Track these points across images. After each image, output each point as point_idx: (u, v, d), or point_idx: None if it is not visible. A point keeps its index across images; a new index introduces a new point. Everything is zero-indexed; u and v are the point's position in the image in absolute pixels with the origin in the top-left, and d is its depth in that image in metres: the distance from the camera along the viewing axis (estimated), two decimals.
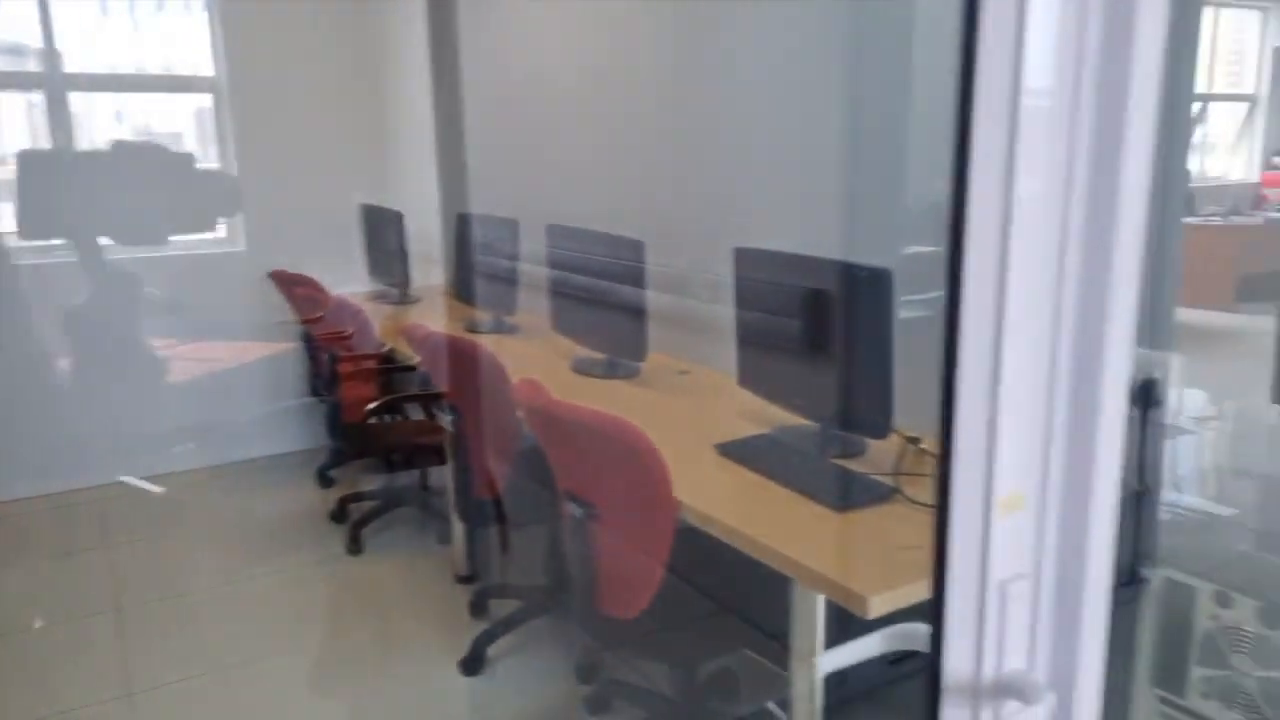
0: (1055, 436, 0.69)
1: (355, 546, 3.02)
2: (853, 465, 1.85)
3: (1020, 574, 0.70)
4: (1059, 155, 0.64)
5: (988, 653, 0.69)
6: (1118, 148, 0.64)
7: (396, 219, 3.37)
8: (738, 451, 1.95)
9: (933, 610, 0.70)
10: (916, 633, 0.70)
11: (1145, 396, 1.62)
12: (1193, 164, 10.51)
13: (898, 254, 2.62)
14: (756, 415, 2.17)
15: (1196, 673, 1.17)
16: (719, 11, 2.60)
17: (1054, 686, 0.72)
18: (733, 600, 1.93)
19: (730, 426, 2.11)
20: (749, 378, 2.20)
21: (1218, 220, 7.53)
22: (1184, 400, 5.40)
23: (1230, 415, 5.07)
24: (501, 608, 2.56)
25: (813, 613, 1.49)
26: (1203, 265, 7.32)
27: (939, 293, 0.66)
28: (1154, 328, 2.78)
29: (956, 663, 0.70)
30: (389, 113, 3.91)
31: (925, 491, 1.68)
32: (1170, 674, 1.20)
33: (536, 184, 3.30)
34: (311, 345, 3.27)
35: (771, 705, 1.78)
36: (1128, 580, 1.25)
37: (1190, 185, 8.70)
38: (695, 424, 2.24)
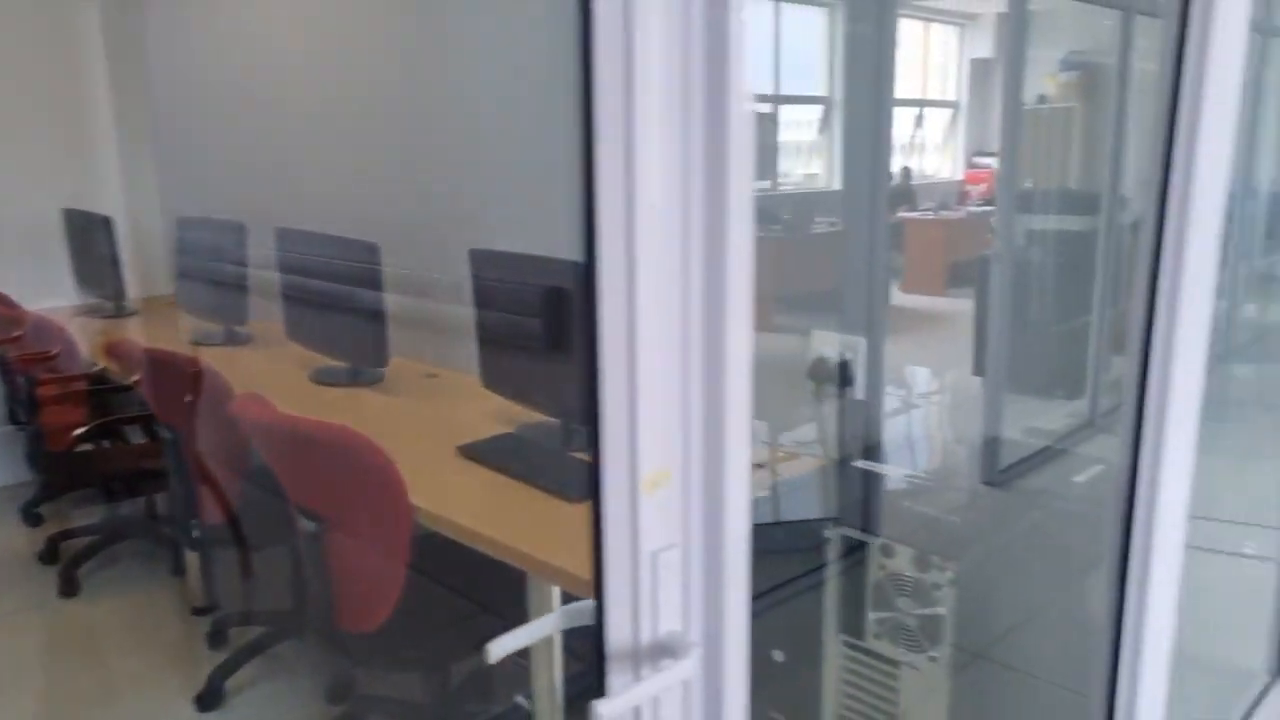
0: (692, 419, 0.75)
1: (69, 588, 2.73)
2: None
3: (671, 544, 0.76)
4: (674, 173, 0.70)
5: (644, 618, 0.75)
6: (723, 164, 0.70)
7: (105, 224, 3.07)
8: (479, 452, 1.96)
9: (594, 584, 0.74)
10: (585, 608, 0.74)
11: (841, 376, 1.81)
12: (914, 163, 11.65)
13: None
14: (503, 415, 2.18)
15: (871, 616, 1.32)
16: (450, 9, 2.58)
17: (705, 642, 0.78)
18: (481, 598, 1.94)
19: (475, 428, 2.11)
20: (492, 378, 2.21)
21: (931, 215, 8.44)
22: (914, 378, 6.03)
23: (950, 389, 5.71)
24: (244, 636, 2.41)
25: (547, 603, 1.53)
26: (924, 256, 8.19)
27: None
28: (870, 314, 3.09)
29: (618, 631, 0.74)
30: (97, 112, 3.55)
31: None
32: (852, 620, 1.35)
33: (266, 186, 3.12)
34: (6, 368, 2.92)
35: (520, 699, 1.81)
36: (818, 541, 1.40)
37: (912, 183, 9.66)
38: (439, 428, 2.22)
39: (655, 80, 0.67)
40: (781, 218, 7.49)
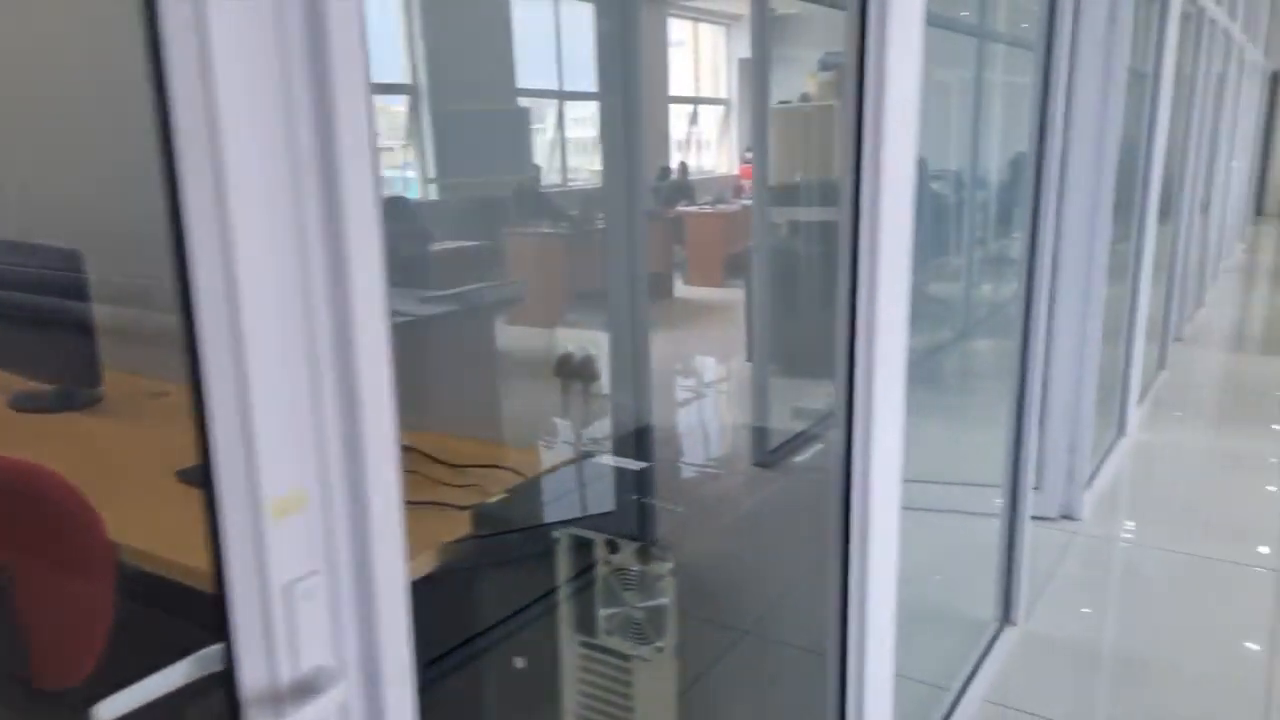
0: (329, 436, 0.69)
1: None
2: None
3: (312, 571, 0.70)
4: (280, 172, 0.63)
5: (283, 655, 0.68)
6: (334, 161, 0.65)
7: None
8: (198, 476, 1.79)
9: (218, 624, 0.67)
10: (217, 653, 0.66)
11: (585, 372, 1.80)
12: (691, 159, 12.00)
13: None
14: None
15: (601, 613, 1.31)
16: None
17: (362, 671, 0.73)
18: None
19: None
20: None
21: (709, 209, 8.73)
22: (703, 367, 6.21)
23: (734, 376, 5.93)
24: None
25: None
26: (703, 249, 8.46)
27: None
28: (632, 308, 3.12)
29: (252, 673, 0.67)
30: None
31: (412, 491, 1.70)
32: (584, 619, 1.34)
33: None
34: None
35: None
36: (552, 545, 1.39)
37: (689, 178, 9.95)
38: (160, 451, 2.01)
39: (242, 72, 0.60)
40: (569, 214, 7.51)
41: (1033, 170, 2.63)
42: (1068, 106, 3.29)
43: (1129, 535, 3.48)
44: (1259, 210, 14.41)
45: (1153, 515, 3.68)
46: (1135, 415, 4.54)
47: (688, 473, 3.77)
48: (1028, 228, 2.68)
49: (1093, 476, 3.84)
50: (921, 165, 5.29)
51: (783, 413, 4.50)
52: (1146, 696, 2.48)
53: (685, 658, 1.30)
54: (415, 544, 1.58)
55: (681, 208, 8.62)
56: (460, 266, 3.89)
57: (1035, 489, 3.61)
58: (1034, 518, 3.57)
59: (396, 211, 4.70)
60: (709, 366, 6.30)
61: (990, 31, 5.51)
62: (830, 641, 1.61)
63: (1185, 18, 5.27)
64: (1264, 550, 3.27)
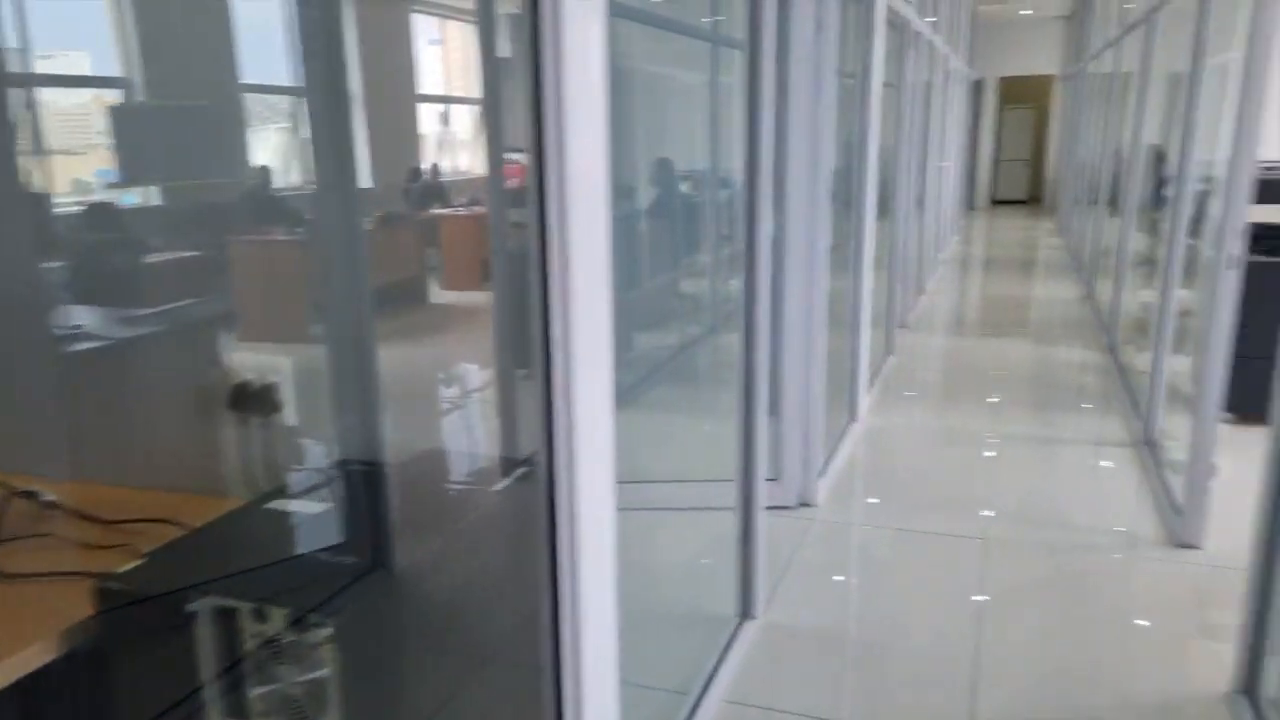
0: None
1: None
2: None
3: None
4: None
5: None
6: None
7: None
8: None
9: None
10: None
11: (261, 402, 1.58)
12: (445, 160, 11.64)
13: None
14: None
15: (253, 693, 1.11)
16: None
17: None
18: None
19: None
20: None
21: (463, 211, 8.46)
22: (460, 376, 5.95)
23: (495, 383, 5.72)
24: None
25: None
26: (460, 252, 8.18)
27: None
28: (356, 322, 2.87)
29: None
30: None
31: (44, 558, 1.39)
32: (236, 702, 1.14)
33: None
34: None
35: None
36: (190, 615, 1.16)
37: (442, 179, 9.61)
38: None
39: None
40: (305, 219, 6.97)
41: (745, 171, 2.67)
42: (783, 108, 3.40)
43: (862, 517, 3.66)
44: (970, 205, 16.14)
45: (883, 495, 3.91)
46: (865, 400, 4.84)
47: (426, 496, 3.56)
48: (744, 226, 2.71)
49: (827, 462, 4.03)
50: (667, 166, 5.31)
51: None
52: (874, 676, 2.58)
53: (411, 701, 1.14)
54: (27, 630, 1.29)
55: (436, 210, 8.31)
56: (173, 280, 3.45)
57: (773, 480, 3.73)
58: (773, 508, 3.69)
59: (99, 221, 4.12)
60: (466, 375, 6.08)
61: (714, 34, 5.67)
62: (544, 659, 1.50)
63: (893, 27, 5.69)
64: (982, 515, 3.55)
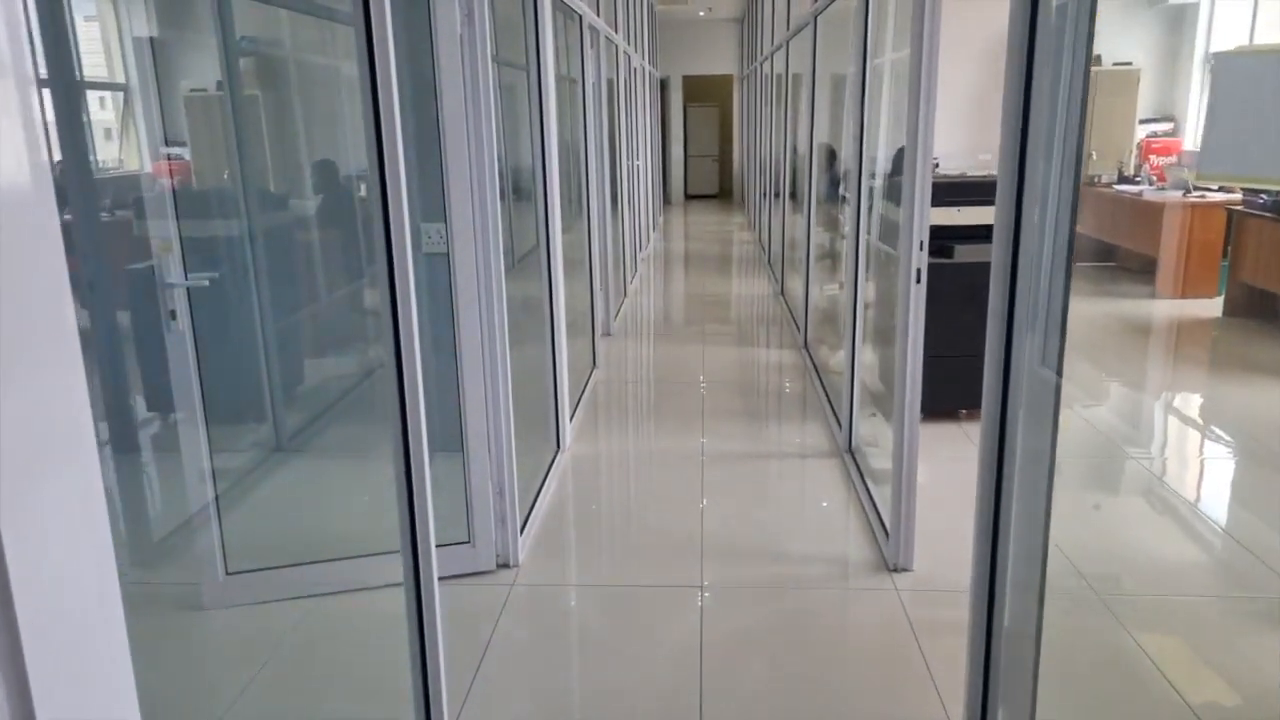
0: None
1: None
2: None
3: None
4: None
5: None
6: None
7: None
8: None
9: None
10: None
11: None
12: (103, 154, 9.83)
13: None
14: None
15: None
16: None
17: None
18: None
19: None
20: None
21: (107, 216, 7.05)
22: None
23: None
24: None
25: None
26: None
27: None
28: None
29: None
30: None
31: None
32: None
33: None
34: None
35: None
36: None
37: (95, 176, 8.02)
38: None
39: None
40: None
41: (375, 176, 2.07)
42: (435, 102, 2.84)
43: (570, 573, 3.20)
44: (667, 200, 16.56)
45: (594, 543, 3.48)
46: (570, 425, 4.42)
47: None
48: (379, 237, 2.11)
49: (531, 508, 3.54)
50: (331, 168, 4.37)
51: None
52: None
53: None
54: None
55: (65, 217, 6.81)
56: None
57: (464, 543, 3.18)
58: (465, 575, 3.14)
59: None
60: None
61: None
62: None
63: (569, 21, 5.30)
64: (697, 557, 3.22)
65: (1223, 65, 4.60)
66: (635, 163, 8.88)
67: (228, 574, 2.98)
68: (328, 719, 2.50)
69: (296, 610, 2.95)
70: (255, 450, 4.17)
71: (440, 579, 3.07)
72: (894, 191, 3.44)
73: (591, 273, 5.76)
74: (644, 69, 10.22)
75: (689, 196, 17.20)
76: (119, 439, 3.81)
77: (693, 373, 5.63)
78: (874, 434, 4.10)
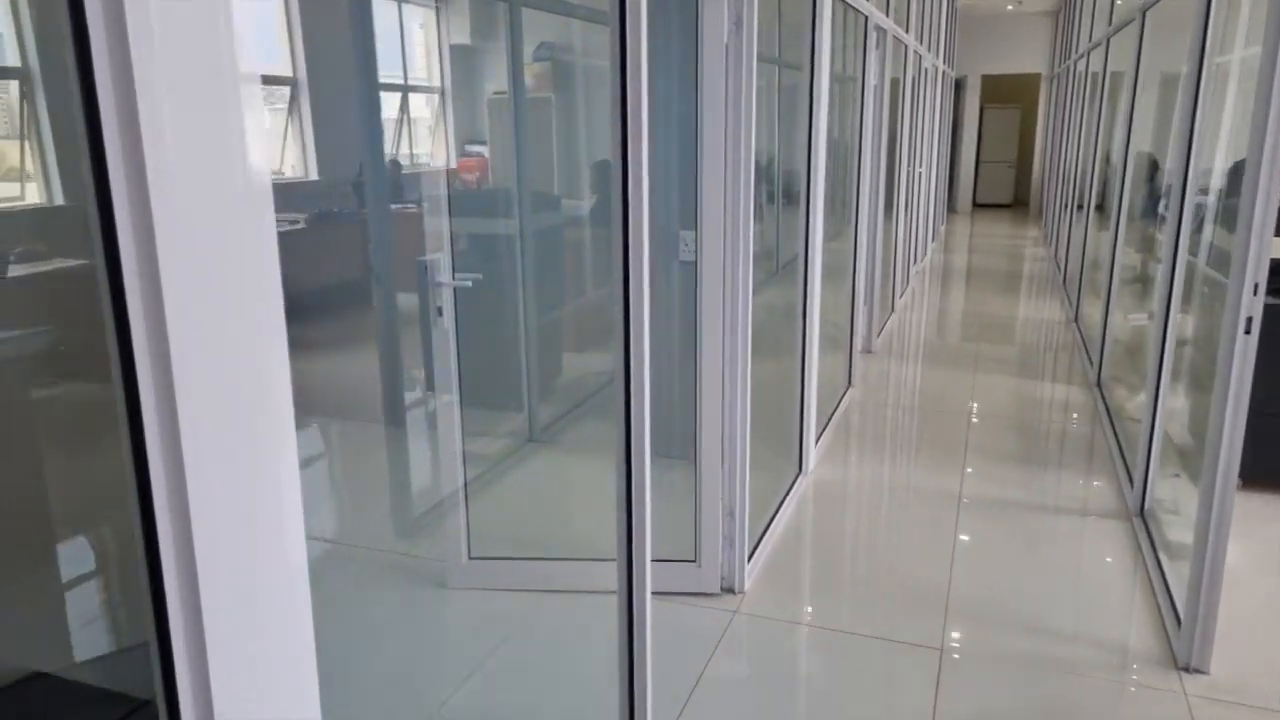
0: None
1: None
2: None
3: None
4: None
5: None
6: None
7: None
8: None
9: None
10: None
11: None
12: (404, 149, 11.00)
13: None
14: None
15: None
16: None
17: None
18: None
19: None
20: None
21: (414, 208, 7.83)
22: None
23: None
24: None
25: None
26: (408, 253, 7.50)
27: None
28: None
29: None
30: None
31: None
32: None
33: None
34: None
35: None
36: None
37: (403, 172, 9.00)
38: None
39: None
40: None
41: (618, 178, 2.00)
42: (696, 102, 2.75)
43: (798, 611, 3.00)
44: (952, 208, 15.54)
45: (829, 580, 3.25)
46: (816, 447, 4.18)
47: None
48: (617, 239, 2.04)
49: (764, 533, 3.37)
50: (607, 169, 4.48)
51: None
52: None
53: None
54: None
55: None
56: None
57: (689, 561, 3.08)
58: (688, 594, 3.03)
59: None
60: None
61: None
62: None
63: (855, 18, 5.03)
64: (944, 614, 2.90)
65: None
66: (917, 169, 8.35)
67: (470, 558, 3.10)
68: None
69: (526, 602, 3.00)
70: (510, 439, 4.35)
71: (662, 594, 3.01)
72: (1229, 215, 2.87)
73: (855, 284, 5.45)
74: (936, 68, 9.60)
75: (977, 205, 16.02)
76: (391, 415, 4.13)
77: (961, 402, 5.15)
78: (1175, 498, 3.48)
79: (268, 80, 8.67)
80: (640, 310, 2.03)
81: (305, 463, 4.55)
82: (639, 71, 1.94)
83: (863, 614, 2.92)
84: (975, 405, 5.08)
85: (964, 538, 3.45)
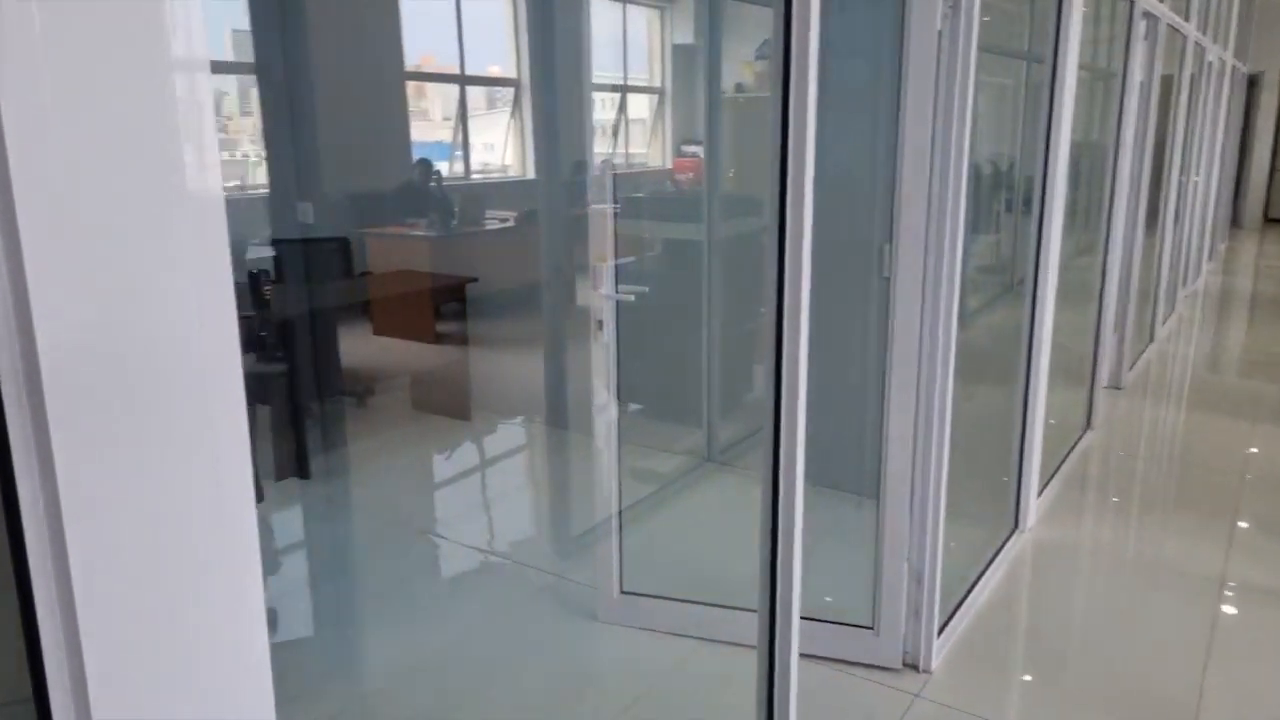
0: None
1: None
2: None
3: None
4: None
5: None
6: None
7: None
8: None
9: None
10: None
11: None
12: (620, 150, 11.14)
13: None
14: None
15: None
16: None
17: None
18: None
19: None
20: None
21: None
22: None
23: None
24: None
25: None
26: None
27: None
28: None
29: None
30: None
31: None
32: None
33: None
34: None
35: None
36: None
37: (616, 171, 9.11)
38: None
39: None
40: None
41: (776, 183, 1.65)
42: (900, 108, 2.33)
43: (993, 706, 2.48)
44: (1236, 223, 13.50)
45: (1034, 671, 2.69)
46: (1036, 503, 3.55)
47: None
48: (773, 249, 1.71)
49: (963, 600, 2.86)
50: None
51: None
52: None
53: None
54: None
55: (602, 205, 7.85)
56: None
57: (869, 629, 2.63)
58: (865, 666, 2.60)
59: None
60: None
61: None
62: None
63: (1118, 4, 4.30)
64: None
65: None
66: (1193, 178, 7.19)
67: (622, 592, 2.85)
68: None
69: (679, 650, 2.69)
70: (686, 456, 4.07)
71: (831, 660, 2.60)
72: None
73: (1102, 308, 4.67)
74: (1223, 62, 8.27)
75: (1269, 220, 13.84)
76: (553, 418, 4.00)
77: (1233, 458, 4.25)
78: None
79: (493, 82, 8.95)
80: (796, 330, 1.70)
81: (477, 464, 4.50)
82: (806, 61, 1.61)
83: None
84: (1251, 462, 4.17)
85: (1220, 637, 2.74)
